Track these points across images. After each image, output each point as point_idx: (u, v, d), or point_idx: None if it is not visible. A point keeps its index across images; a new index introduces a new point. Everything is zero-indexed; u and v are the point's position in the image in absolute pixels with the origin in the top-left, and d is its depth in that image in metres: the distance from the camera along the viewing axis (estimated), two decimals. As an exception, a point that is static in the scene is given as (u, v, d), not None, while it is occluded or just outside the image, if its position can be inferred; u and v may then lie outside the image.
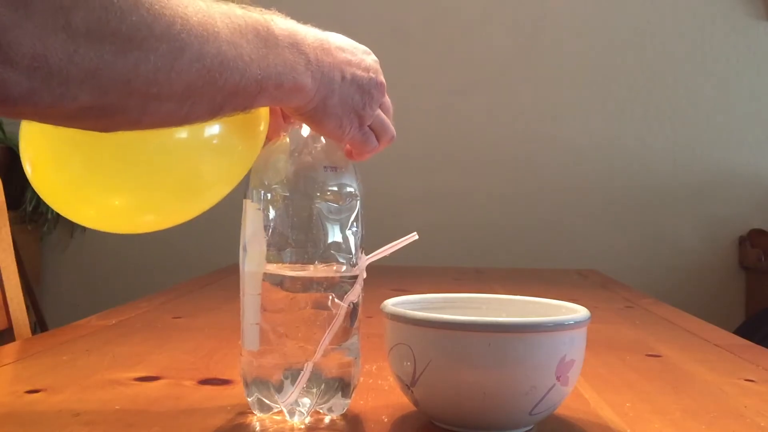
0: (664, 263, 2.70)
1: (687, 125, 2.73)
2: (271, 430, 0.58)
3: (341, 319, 0.58)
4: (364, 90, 0.59)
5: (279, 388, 0.58)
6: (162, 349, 0.87)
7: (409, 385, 0.57)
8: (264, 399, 0.59)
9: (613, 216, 2.72)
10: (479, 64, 2.76)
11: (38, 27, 0.35)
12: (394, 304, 0.61)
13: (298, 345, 0.58)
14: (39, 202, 2.65)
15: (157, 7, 0.42)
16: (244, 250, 0.60)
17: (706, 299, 2.63)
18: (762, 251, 2.56)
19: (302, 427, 0.58)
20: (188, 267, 2.41)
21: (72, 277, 2.84)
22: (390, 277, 1.37)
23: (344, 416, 0.61)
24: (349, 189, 0.61)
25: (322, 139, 0.62)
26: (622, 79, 2.74)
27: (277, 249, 0.59)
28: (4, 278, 1.04)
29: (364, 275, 0.61)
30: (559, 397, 0.57)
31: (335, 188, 0.60)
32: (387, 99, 0.63)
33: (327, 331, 0.58)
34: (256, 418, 0.60)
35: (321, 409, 0.60)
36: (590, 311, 0.59)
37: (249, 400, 0.60)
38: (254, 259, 0.59)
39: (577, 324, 0.56)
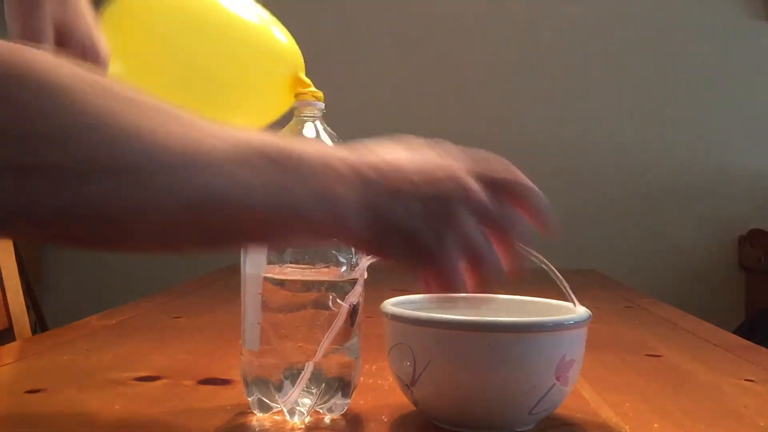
0: (664, 263, 2.70)
1: (687, 125, 2.73)
2: (271, 430, 0.58)
3: (342, 320, 0.58)
4: (432, 203, 0.47)
5: (279, 388, 0.58)
6: (162, 349, 0.87)
7: (409, 385, 0.57)
8: (264, 399, 0.59)
9: (613, 216, 2.72)
10: (479, 64, 2.76)
11: None
12: (394, 304, 0.61)
13: (298, 345, 0.58)
14: (39, 202, 2.65)
15: (123, 137, 0.36)
16: (246, 249, 0.60)
17: (706, 299, 2.63)
18: (762, 251, 2.56)
19: (302, 427, 0.58)
20: (188, 267, 2.41)
21: (72, 277, 2.84)
22: (390, 277, 1.37)
23: (344, 416, 0.61)
24: (349, 189, 0.61)
25: (324, 139, 0.62)
26: (621, 79, 2.74)
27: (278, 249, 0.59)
28: (4, 278, 1.04)
29: (365, 276, 0.61)
30: (558, 397, 0.57)
31: (335, 188, 0.60)
32: (490, 209, 0.48)
33: (328, 332, 0.58)
34: (256, 418, 0.60)
35: (321, 409, 0.60)
36: (590, 311, 0.59)
37: (249, 399, 0.60)
38: (255, 259, 0.59)
39: (576, 324, 0.56)
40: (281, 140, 0.44)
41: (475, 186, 0.48)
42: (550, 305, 0.64)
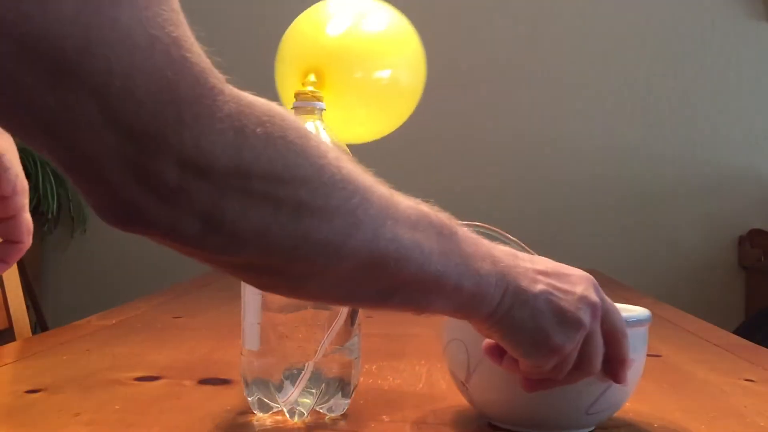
0: (664, 263, 2.70)
1: (687, 125, 2.74)
2: (271, 430, 0.58)
3: (342, 320, 0.58)
4: (558, 312, 0.49)
5: (279, 388, 0.58)
6: (162, 349, 0.87)
7: (464, 382, 0.58)
8: (264, 399, 0.59)
9: (613, 216, 2.72)
10: (481, 63, 2.76)
11: (217, 188, 0.37)
12: None
13: (298, 345, 0.58)
14: (39, 202, 2.65)
15: (338, 177, 0.41)
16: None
17: (706, 299, 2.63)
18: (762, 251, 2.56)
19: (302, 426, 0.58)
20: (188, 267, 2.41)
21: (72, 277, 2.84)
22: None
23: (344, 416, 0.61)
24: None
25: (324, 139, 0.62)
26: (622, 79, 2.74)
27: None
28: (4, 278, 1.04)
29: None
30: (618, 397, 0.56)
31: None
32: (596, 338, 0.51)
33: (327, 332, 0.58)
34: (256, 418, 0.60)
35: (321, 408, 0.60)
36: (650, 312, 0.58)
37: (249, 399, 0.60)
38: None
39: (635, 323, 0.56)
40: (443, 217, 0.48)
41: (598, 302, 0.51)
42: None
